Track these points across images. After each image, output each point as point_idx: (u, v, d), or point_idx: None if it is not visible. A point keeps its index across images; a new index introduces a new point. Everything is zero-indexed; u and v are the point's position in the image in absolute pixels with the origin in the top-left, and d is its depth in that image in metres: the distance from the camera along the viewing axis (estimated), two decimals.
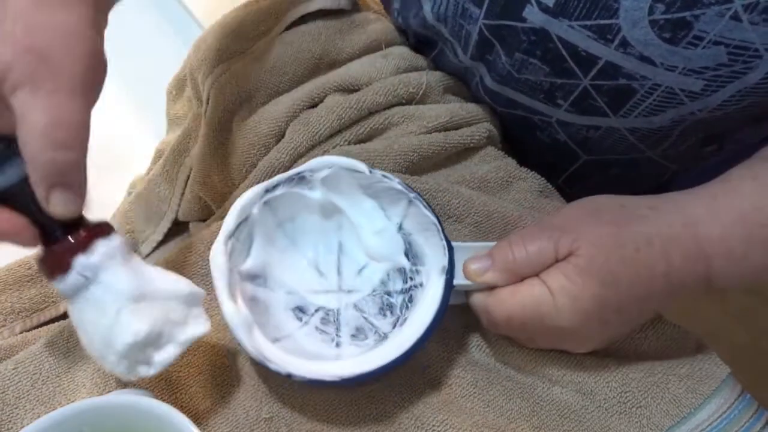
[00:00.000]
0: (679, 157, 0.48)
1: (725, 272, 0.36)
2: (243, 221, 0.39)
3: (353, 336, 0.40)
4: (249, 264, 0.39)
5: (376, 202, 0.41)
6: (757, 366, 1.04)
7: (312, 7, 0.53)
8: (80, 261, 0.31)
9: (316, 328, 0.40)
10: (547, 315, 0.36)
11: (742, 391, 0.40)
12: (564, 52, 0.42)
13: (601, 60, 0.40)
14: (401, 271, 0.42)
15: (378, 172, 0.40)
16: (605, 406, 0.39)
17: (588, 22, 0.39)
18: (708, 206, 0.37)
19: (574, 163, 0.52)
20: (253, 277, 0.40)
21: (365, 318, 0.41)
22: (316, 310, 0.41)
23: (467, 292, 0.40)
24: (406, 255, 0.41)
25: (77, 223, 0.32)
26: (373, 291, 0.41)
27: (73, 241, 0.31)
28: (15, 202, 0.31)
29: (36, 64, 0.28)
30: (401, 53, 0.53)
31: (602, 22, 0.38)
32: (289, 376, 0.35)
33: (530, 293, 0.36)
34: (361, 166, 0.39)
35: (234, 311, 0.36)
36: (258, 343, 0.36)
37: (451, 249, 0.39)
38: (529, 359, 0.41)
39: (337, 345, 0.39)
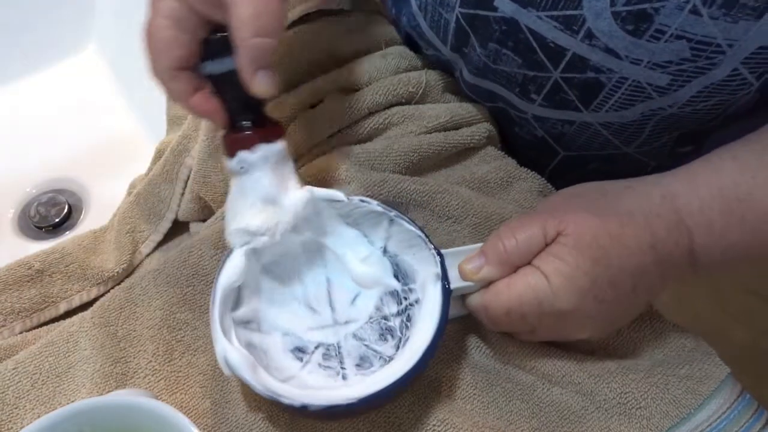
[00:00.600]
0: (656, 155, 0.49)
1: (707, 247, 0.37)
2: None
3: (358, 366, 0.39)
4: (241, 312, 0.39)
5: (357, 230, 0.42)
6: (757, 366, 1.04)
7: (312, 7, 0.53)
8: (241, 155, 0.37)
9: (319, 365, 0.39)
10: (544, 300, 0.36)
11: (741, 391, 0.40)
12: (534, 44, 0.42)
13: (569, 52, 0.41)
14: (394, 293, 0.41)
15: (356, 198, 0.40)
16: (605, 407, 0.39)
17: (555, 13, 0.40)
18: (687, 181, 0.38)
19: (553, 159, 0.53)
20: (247, 323, 0.39)
21: (367, 346, 0.40)
22: (316, 347, 0.40)
23: (464, 298, 0.40)
24: (396, 277, 0.41)
25: (259, 119, 0.38)
26: (370, 318, 0.41)
27: (241, 137, 0.38)
28: (222, 88, 0.37)
29: None
30: (401, 53, 0.53)
31: (568, 12, 0.39)
32: (304, 407, 0.34)
33: (525, 281, 0.37)
34: (339, 195, 0.40)
35: (234, 351, 0.35)
36: (265, 381, 0.35)
37: (441, 256, 0.39)
38: (529, 360, 0.41)
39: (344, 377, 0.39)
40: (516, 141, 0.53)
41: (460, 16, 0.46)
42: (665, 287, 0.39)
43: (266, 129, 0.38)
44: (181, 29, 0.35)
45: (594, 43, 0.39)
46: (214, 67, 0.36)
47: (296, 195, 0.39)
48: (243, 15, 0.33)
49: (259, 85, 0.35)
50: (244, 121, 0.38)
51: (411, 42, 0.55)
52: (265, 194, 0.38)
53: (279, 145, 0.38)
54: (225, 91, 0.37)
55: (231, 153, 0.38)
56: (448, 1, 0.46)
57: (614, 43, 0.39)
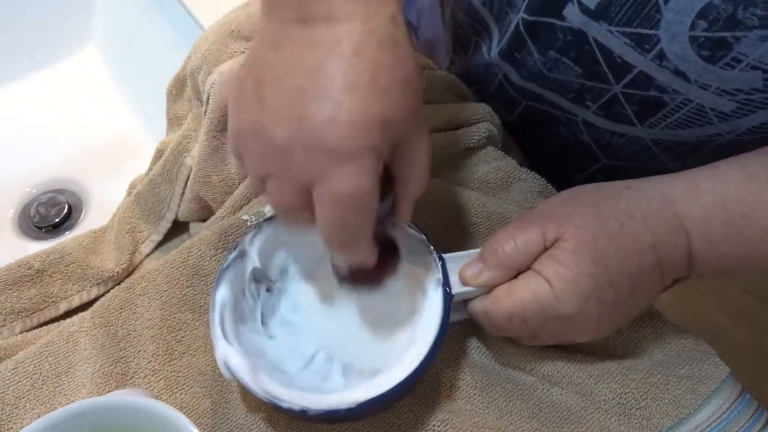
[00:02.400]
0: None
1: (703, 254, 0.37)
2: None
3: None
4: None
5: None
6: (757, 366, 1.04)
7: None
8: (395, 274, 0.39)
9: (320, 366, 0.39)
10: (547, 304, 0.36)
11: (741, 391, 0.40)
12: (599, 56, 0.41)
13: (636, 69, 0.40)
14: None
15: None
16: (605, 408, 0.39)
17: (627, 29, 0.38)
18: (688, 187, 0.37)
19: (594, 165, 0.52)
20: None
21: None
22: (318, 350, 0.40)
23: (465, 303, 0.40)
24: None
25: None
26: None
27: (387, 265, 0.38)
28: (380, 224, 0.37)
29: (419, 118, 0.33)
30: None
31: (642, 31, 0.38)
32: (303, 411, 0.34)
33: (527, 287, 0.37)
34: None
35: (234, 355, 0.35)
36: (265, 384, 0.35)
37: (443, 261, 0.39)
38: (529, 360, 0.41)
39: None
40: (558, 141, 0.52)
41: (521, 22, 0.44)
42: (665, 288, 0.39)
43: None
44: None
45: (664, 64, 0.38)
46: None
47: None
48: (423, 165, 0.34)
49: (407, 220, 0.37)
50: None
51: (456, 40, 0.55)
52: None
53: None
54: (383, 226, 0.38)
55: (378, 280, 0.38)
56: (514, 2, 0.44)
57: (685, 66, 0.38)
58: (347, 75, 0.29)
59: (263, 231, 0.39)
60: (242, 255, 0.39)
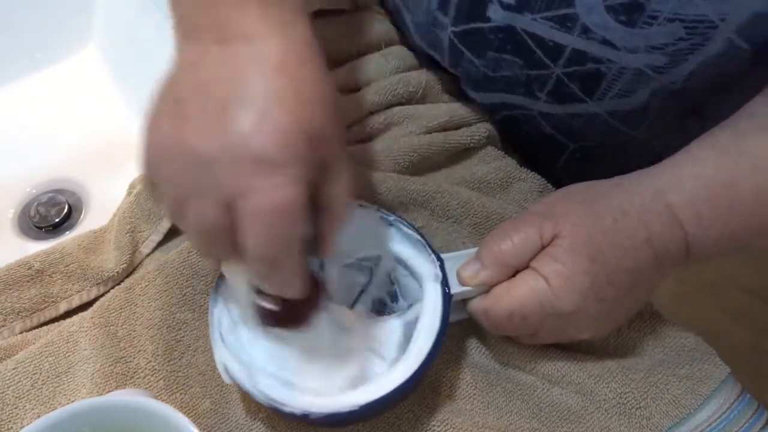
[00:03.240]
0: (664, 133, 0.49)
1: (698, 237, 0.37)
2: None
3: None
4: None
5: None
6: (757, 366, 1.04)
7: (312, 7, 0.53)
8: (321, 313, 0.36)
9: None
10: (546, 302, 0.36)
11: (741, 391, 0.40)
12: (532, 45, 0.43)
13: (567, 48, 0.42)
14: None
15: (354, 202, 0.40)
16: (605, 407, 0.39)
17: (548, 14, 0.40)
18: (672, 175, 0.38)
19: (564, 153, 0.53)
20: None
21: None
22: None
23: (465, 303, 0.40)
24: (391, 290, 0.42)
25: None
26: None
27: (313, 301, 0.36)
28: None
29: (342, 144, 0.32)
30: (400, 53, 0.53)
31: (561, 11, 0.39)
32: (305, 415, 0.34)
33: (525, 284, 0.37)
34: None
35: (234, 359, 0.35)
36: (265, 388, 0.35)
37: (441, 261, 0.39)
38: (529, 360, 0.41)
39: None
40: (525, 139, 0.53)
41: (452, 35, 0.46)
42: (663, 281, 0.39)
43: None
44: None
45: (591, 36, 0.40)
46: None
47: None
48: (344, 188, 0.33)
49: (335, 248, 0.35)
50: None
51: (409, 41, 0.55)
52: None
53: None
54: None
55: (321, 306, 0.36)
56: (440, 21, 0.46)
57: (610, 35, 0.39)
58: (272, 88, 0.29)
59: None
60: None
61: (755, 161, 0.36)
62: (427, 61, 0.53)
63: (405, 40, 0.55)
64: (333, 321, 0.37)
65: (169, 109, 0.30)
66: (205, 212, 0.29)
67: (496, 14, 0.42)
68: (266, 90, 0.29)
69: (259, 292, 0.34)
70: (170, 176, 0.30)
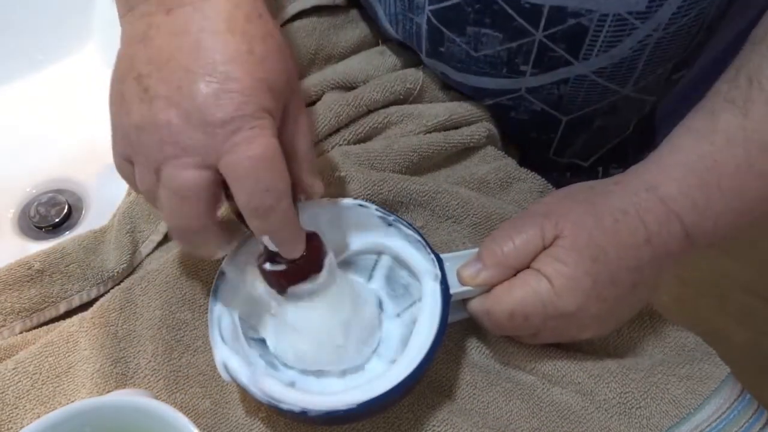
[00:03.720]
0: (653, 89, 0.49)
1: (699, 226, 0.37)
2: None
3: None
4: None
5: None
6: (757, 366, 1.04)
7: (307, 3, 0.53)
8: (327, 262, 0.36)
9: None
10: (548, 301, 0.36)
11: (741, 391, 0.40)
12: (510, 10, 0.42)
13: (545, 7, 0.41)
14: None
15: (354, 202, 0.40)
16: (605, 407, 0.39)
17: None
18: (659, 167, 0.38)
19: (557, 129, 0.53)
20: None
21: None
22: None
23: (465, 303, 0.40)
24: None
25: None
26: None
27: (316, 248, 0.36)
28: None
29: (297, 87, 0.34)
30: (397, 49, 0.53)
31: None
32: (303, 413, 0.34)
33: (527, 284, 0.37)
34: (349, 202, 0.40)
35: (233, 357, 0.35)
36: (264, 386, 0.35)
37: (440, 261, 0.39)
38: (529, 360, 0.41)
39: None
40: (516, 125, 0.53)
41: (430, 14, 0.45)
42: (664, 278, 0.39)
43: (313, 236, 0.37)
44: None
45: None
46: None
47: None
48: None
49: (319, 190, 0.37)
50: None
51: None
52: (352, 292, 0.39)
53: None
54: None
55: (318, 267, 0.36)
56: (417, 3, 0.46)
57: None
58: (226, 49, 0.31)
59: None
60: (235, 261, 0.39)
61: (727, 136, 0.37)
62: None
63: (381, 34, 0.55)
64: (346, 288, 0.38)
65: (134, 89, 0.31)
66: (186, 172, 0.31)
67: None
68: (222, 53, 0.30)
69: (265, 262, 0.36)
70: (145, 151, 0.32)
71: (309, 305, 0.37)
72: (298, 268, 0.36)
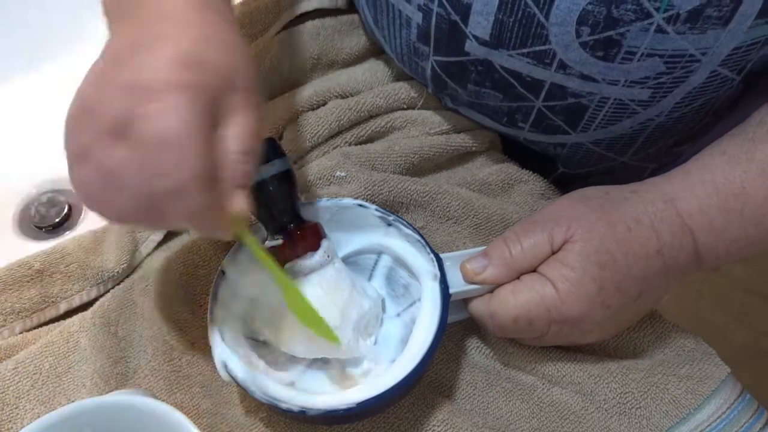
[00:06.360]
0: (653, 158, 0.49)
1: (710, 246, 0.37)
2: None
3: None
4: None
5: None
6: (757, 366, 1.04)
7: (309, 6, 0.53)
8: (324, 243, 0.38)
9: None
10: (552, 306, 0.36)
11: (741, 391, 0.40)
12: (510, 79, 0.42)
13: (546, 83, 0.41)
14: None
15: (354, 202, 0.40)
16: (605, 407, 0.39)
17: (524, 50, 0.39)
18: (682, 182, 0.38)
19: (554, 173, 0.53)
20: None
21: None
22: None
23: (465, 303, 0.40)
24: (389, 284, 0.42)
25: (299, 220, 0.38)
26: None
27: (315, 227, 0.38)
28: (266, 191, 0.37)
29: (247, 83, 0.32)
30: None
31: (536, 48, 0.39)
32: (302, 412, 0.34)
33: (532, 288, 0.37)
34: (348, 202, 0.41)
35: (233, 357, 0.35)
36: (263, 386, 0.35)
37: (440, 260, 0.39)
38: (529, 360, 0.41)
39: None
40: (516, 154, 0.53)
41: (435, 64, 0.46)
42: (670, 290, 0.39)
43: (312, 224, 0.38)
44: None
45: (569, 72, 0.39)
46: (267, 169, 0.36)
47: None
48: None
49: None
50: (295, 221, 0.38)
51: None
52: (350, 276, 0.39)
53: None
54: (277, 193, 0.37)
55: (314, 246, 0.37)
56: (422, 50, 0.46)
57: (588, 69, 0.38)
58: (161, 31, 0.31)
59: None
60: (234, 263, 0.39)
61: (762, 166, 0.36)
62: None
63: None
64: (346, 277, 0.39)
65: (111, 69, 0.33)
66: (98, 145, 0.32)
67: (474, 49, 0.42)
68: (156, 35, 0.31)
69: (266, 238, 0.38)
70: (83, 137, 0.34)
71: (307, 282, 0.37)
72: (294, 245, 0.37)
